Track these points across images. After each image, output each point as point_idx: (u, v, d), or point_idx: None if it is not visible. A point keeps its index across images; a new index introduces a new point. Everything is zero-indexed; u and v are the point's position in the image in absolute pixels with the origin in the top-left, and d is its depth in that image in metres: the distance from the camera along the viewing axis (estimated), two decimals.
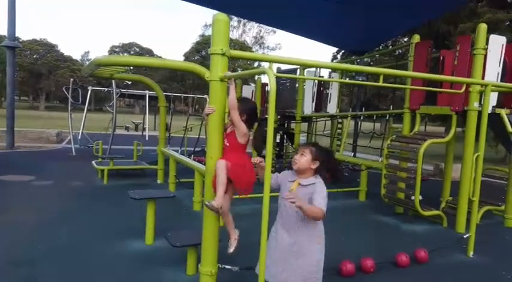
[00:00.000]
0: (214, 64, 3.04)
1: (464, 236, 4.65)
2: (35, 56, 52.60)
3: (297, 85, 9.45)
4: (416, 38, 6.46)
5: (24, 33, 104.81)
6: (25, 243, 4.12)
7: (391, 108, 7.83)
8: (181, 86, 54.73)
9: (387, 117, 7.95)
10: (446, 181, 6.64)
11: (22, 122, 20.61)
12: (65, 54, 55.88)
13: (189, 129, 9.76)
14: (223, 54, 3.01)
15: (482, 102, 4.94)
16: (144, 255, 3.98)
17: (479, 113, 5.02)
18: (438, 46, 15.74)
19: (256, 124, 3.11)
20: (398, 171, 6.05)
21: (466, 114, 5.44)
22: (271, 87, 2.26)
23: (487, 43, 5.36)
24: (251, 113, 3.07)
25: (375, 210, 6.46)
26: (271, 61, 3.10)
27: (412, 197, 5.37)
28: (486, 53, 5.37)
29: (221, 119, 3.11)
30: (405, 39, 21.22)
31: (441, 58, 5.96)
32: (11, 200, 6.00)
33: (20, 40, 45.44)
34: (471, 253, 4.47)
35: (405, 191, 5.75)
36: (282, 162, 9.66)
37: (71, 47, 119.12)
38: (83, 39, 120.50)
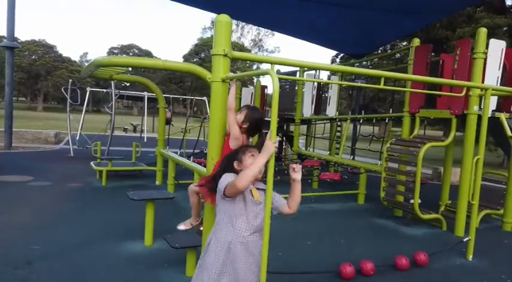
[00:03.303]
0: (216, 65, 3.03)
1: (464, 240, 4.64)
2: (33, 57, 52.48)
3: (296, 88, 9.46)
4: (416, 41, 6.49)
5: (23, 33, 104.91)
6: (22, 244, 4.09)
7: (391, 111, 7.85)
8: (180, 87, 54.72)
9: (386, 121, 7.95)
10: (445, 185, 6.65)
11: (20, 123, 20.55)
12: (63, 55, 55.83)
13: (188, 131, 9.75)
14: (225, 55, 3.01)
15: (482, 106, 4.96)
16: (143, 257, 3.96)
17: (479, 117, 5.04)
18: (436, 51, 15.80)
19: (257, 136, 3.07)
20: (398, 174, 6.05)
21: (465, 118, 5.45)
22: (275, 88, 2.25)
23: (486, 47, 5.38)
24: (255, 123, 2.94)
25: (374, 213, 6.46)
26: (272, 62, 3.08)
27: (411, 201, 5.37)
28: (486, 57, 5.39)
29: (222, 120, 3.10)
30: (404, 44, 21.29)
31: (441, 62, 5.98)
32: (9, 200, 5.96)
33: (19, 41, 45.34)
34: (470, 257, 4.48)
35: (404, 194, 5.75)
36: (281, 165, 9.65)
37: (70, 48, 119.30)
38: (82, 41, 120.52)
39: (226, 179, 2.26)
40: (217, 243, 2.31)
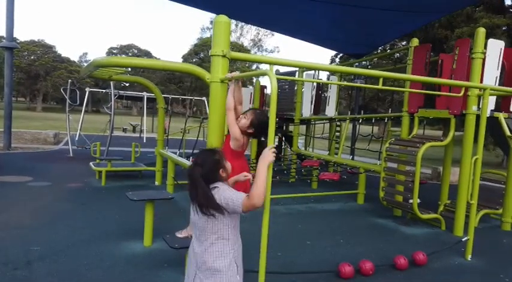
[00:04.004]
0: (215, 66, 3.05)
1: (463, 239, 4.65)
2: (32, 57, 52.41)
3: (295, 88, 9.47)
4: (415, 41, 6.50)
5: (22, 34, 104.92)
6: (22, 245, 4.10)
7: (390, 111, 7.86)
8: (179, 88, 54.71)
9: (386, 121, 7.96)
10: (444, 184, 6.65)
11: (19, 123, 20.54)
12: (62, 55, 55.80)
13: (187, 131, 9.74)
14: (223, 56, 3.02)
15: (480, 106, 4.96)
16: (143, 257, 3.97)
17: (478, 117, 5.05)
18: (435, 51, 15.82)
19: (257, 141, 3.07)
20: (397, 174, 6.06)
21: (464, 117, 5.46)
22: (273, 89, 2.26)
23: (485, 47, 5.39)
24: (261, 127, 2.87)
25: (373, 213, 6.46)
26: (271, 63, 3.09)
27: (411, 200, 5.38)
28: (484, 57, 5.40)
29: (221, 120, 3.11)
30: (403, 43, 21.33)
31: (440, 61, 5.99)
32: (8, 201, 5.96)
33: (18, 41, 45.27)
34: (469, 256, 4.48)
35: (403, 194, 5.75)
36: (280, 165, 9.66)
37: (69, 48, 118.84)
38: (81, 41, 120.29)
39: (235, 195, 2.11)
40: (239, 260, 2.23)
